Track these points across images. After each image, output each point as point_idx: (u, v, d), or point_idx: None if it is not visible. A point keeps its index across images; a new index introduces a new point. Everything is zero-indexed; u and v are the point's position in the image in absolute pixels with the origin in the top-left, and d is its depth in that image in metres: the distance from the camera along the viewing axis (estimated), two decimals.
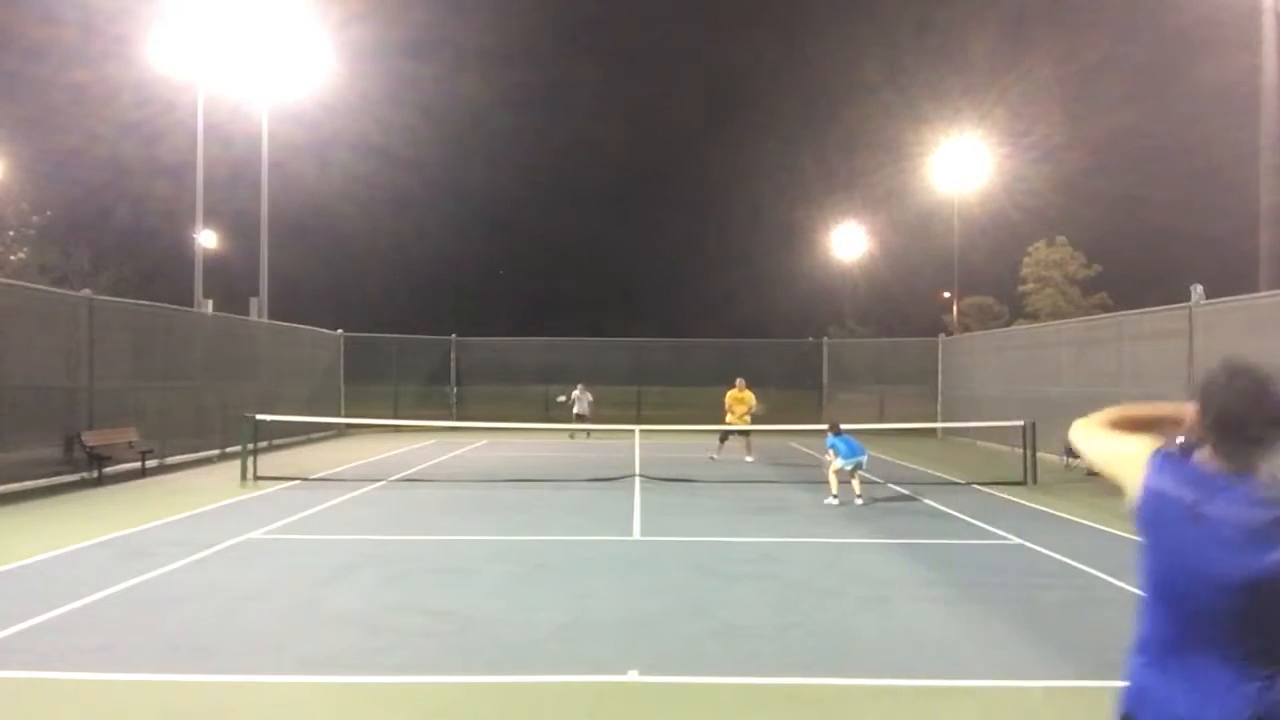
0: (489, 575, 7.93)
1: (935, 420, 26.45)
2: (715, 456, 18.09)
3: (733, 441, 18.51)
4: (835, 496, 12.53)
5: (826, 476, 12.91)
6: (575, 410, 24.04)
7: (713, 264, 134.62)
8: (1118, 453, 2.43)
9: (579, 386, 24.52)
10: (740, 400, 18.21)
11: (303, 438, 23.27)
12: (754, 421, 18.32)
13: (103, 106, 41.25)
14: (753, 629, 6.38)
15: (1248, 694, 2.04)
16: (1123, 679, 2.41)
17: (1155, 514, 2.22)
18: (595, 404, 24.77)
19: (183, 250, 31.31)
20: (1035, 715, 4.90)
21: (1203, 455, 2.27)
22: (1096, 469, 2.46)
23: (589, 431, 23.62)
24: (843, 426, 13.29)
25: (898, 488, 14.66)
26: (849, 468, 12.61)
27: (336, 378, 27.87)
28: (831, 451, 12.86)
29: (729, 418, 18.28)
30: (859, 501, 12.43)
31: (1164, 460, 2.31)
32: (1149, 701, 2.26)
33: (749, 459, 17.98)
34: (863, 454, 12.77)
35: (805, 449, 21.02)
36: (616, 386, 30.81)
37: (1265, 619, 2.04)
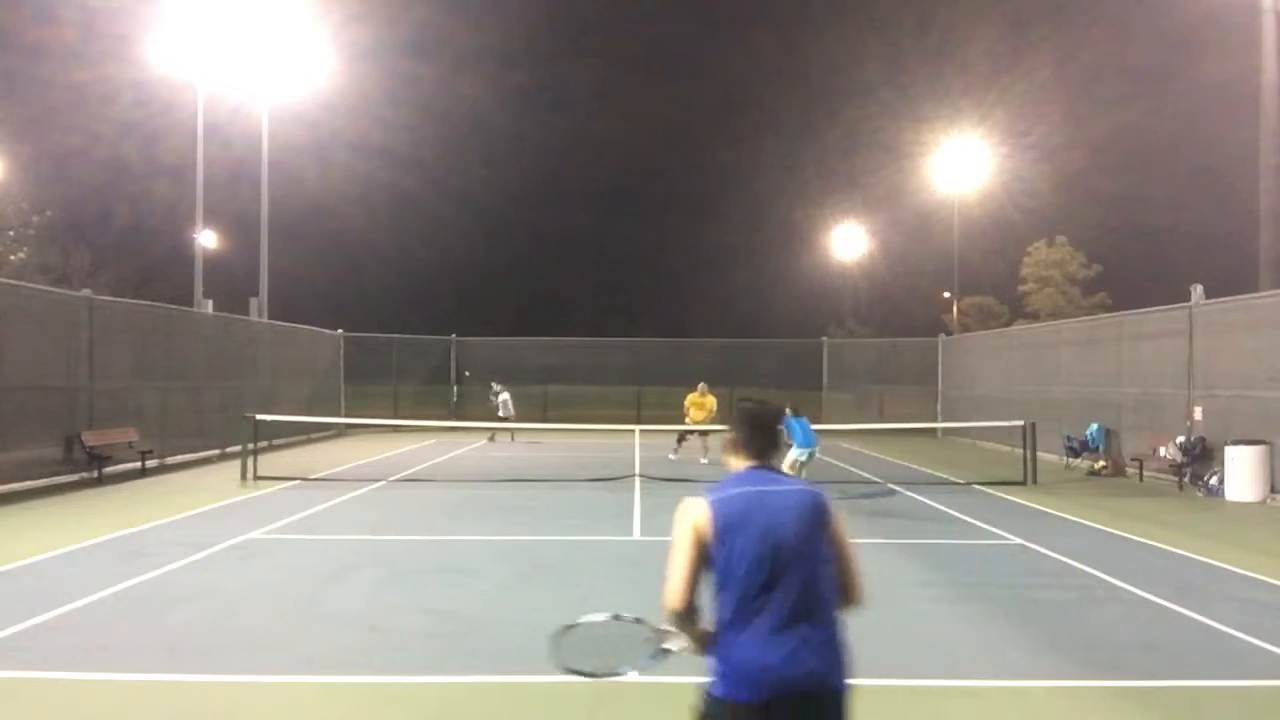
0: (489, 575, 7.93)
1: (935, 420, 26.46)
2: (673, 456, 18.22)
3: (693, 441, 18.60)
4: None
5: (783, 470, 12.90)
6: (500, 413, 23.30)
7: (713, 264, 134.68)
8: (680, 552, 2.78)
9: (498, 385, 23.70)
10: (700, 405, 18.34)
11: (303, 438, 23.27)
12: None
13: (103, 106, 41.26)
14: None
15: (822, 643, 2.67)
16: (712, 664, 2.69)
17: (731, 518, 2.71)
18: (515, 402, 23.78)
19: (183, 250, 31.35)
20: (1035, 715, 4.90)
21: (741, 463, 2.91)
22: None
23: (512, 433, 23.21)
24: (844, 426, 13.33)
25: (897, 488, 14.66)
26: (804, 457, 12.65)
27: (336, 378, 27.86)
28: (786, 433, 12.88)
29: (688, 420, 18.43)
30: None
31: (719, 487, 2.82)
32: (752, 670, 2.60)
33: (704, 460, 18.04)
34: (815, 444, 12.86)
35: None
36: (616, 386, 30.82)
37: (819, 572, 2.74)
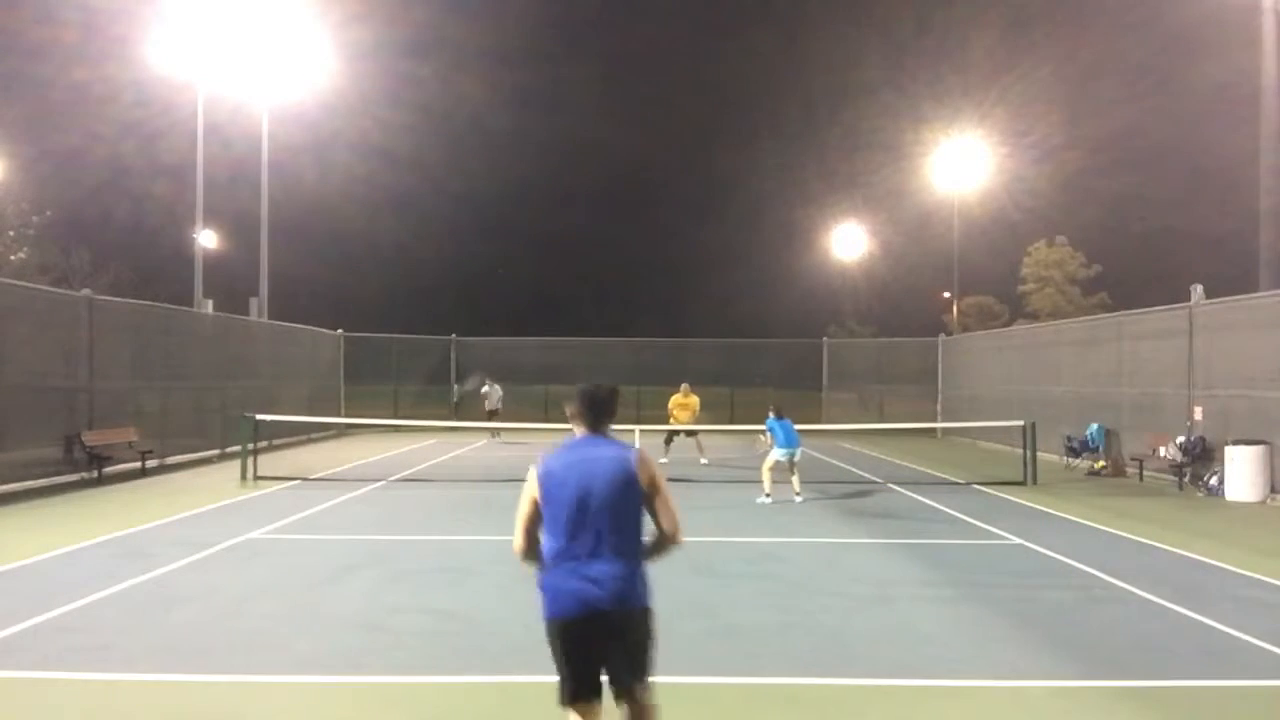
0: (489, 575, 7.93)
1: (935, 420, 26.46)
2: (664, 460, 18.13)
3: (686, 442, 18.58)
4: (768, 495, 12.53)
5: (761, 472, 12.89)
6: (487, 407, 23.33)
7: (713, 264, 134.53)
8: (521, 507, 3.58)
9: (487, 380, 23.62)
10: (684, 406, 18.37)
11: (303, 438, 23.27)
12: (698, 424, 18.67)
13: (103, 106, 41.27)
14: (753, 629, 6.38)
15: (619, 573, 3.38)
16: (542, 592, 3.45)
17: (560, 475, 3.47)
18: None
19: (183, 250, 31.31)
20: (1035, 715, 4.90)
21: (578, 431, 3.65)
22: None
23: (498, 431, 23.26)
24: (844, 426, 13.31)
25: (897, 488, 14.67)
26: (784, 459, 12.62)
27: (336, 378, 27.87)
28: (769, 435, 12.85)
29: (672, 421, 18.46)
30: (798, 499, 12.44)
31: (555, 451, 3.59)
32: (564, 595, 3.38)
33: (704, 461, 18.02)
34: (798, 445, 12.82)
35: (806, 450, 20.98)
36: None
37: (624, 520, 3.43)
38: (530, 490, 3.53)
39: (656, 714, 3.57)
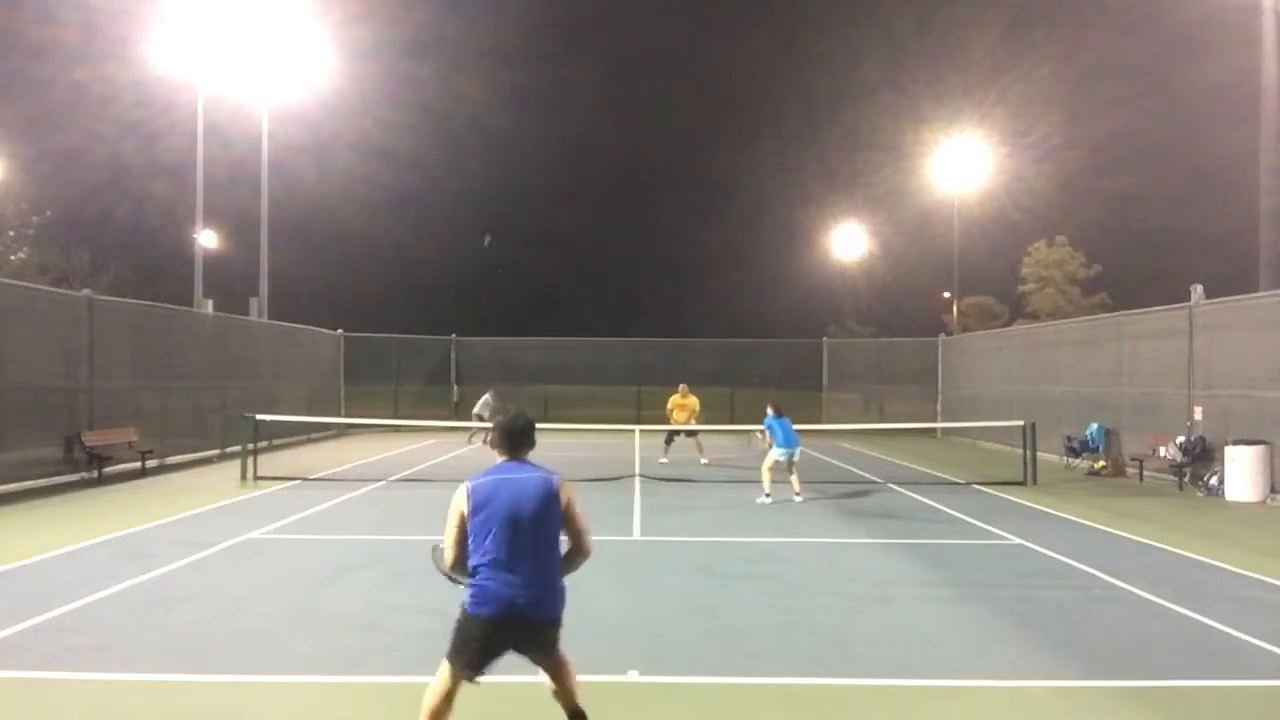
0: None
1: (935, 420, 26.45)
2: (664, 460, 18.14)
3: (686, 442, 18.58)
4: (768, 495, 12.52)
5: (761, 472, 12.88)
6: (476, 410, 22.98)
7: (713, 264, 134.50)
8: (450, 522, 4.01)
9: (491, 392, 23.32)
10: (682, 406, 18.38)
11: (303, 438, 23.27)
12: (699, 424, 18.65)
13: (103, 106, 41.25)
14: (753, 629, 6.38)
15: (541, 583, 3.87)
16: (467, 591, 3.90)
17: (487, 493, 3.92)
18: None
19: (183, 250, 31.33)
20: (1035, 715, 4.90)
21: (500, 457, 4.13)
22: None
23: (473, 434, 23.10)
24: (844, 426, 13.31)
25: (898, 488, 14.67)
26: (784, 459, 12.62)
27: (336, 378, 27.86)
28: (767, 434, 12.82)
29: (671, 422, 18.45)
30: (798, 499, 12.44)
31: (481, 474, 4.02)
32: (490, 597, 3.83)
33: (704, 461, 18.01)
34: (796, 444, 12.82)
35: (806, 450, 20.98)
36: (616, 386, 30.80)
37: (545, 535, 3.91)
38: (459, 506, 3.94)
39: (568, 665, 4.15)
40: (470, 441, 23.46)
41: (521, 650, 4.00)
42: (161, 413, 17.20)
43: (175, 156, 35.41)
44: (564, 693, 4.19)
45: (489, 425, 22.27)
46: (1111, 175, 58.18)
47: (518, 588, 3.81)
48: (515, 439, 4.12)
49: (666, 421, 18.71)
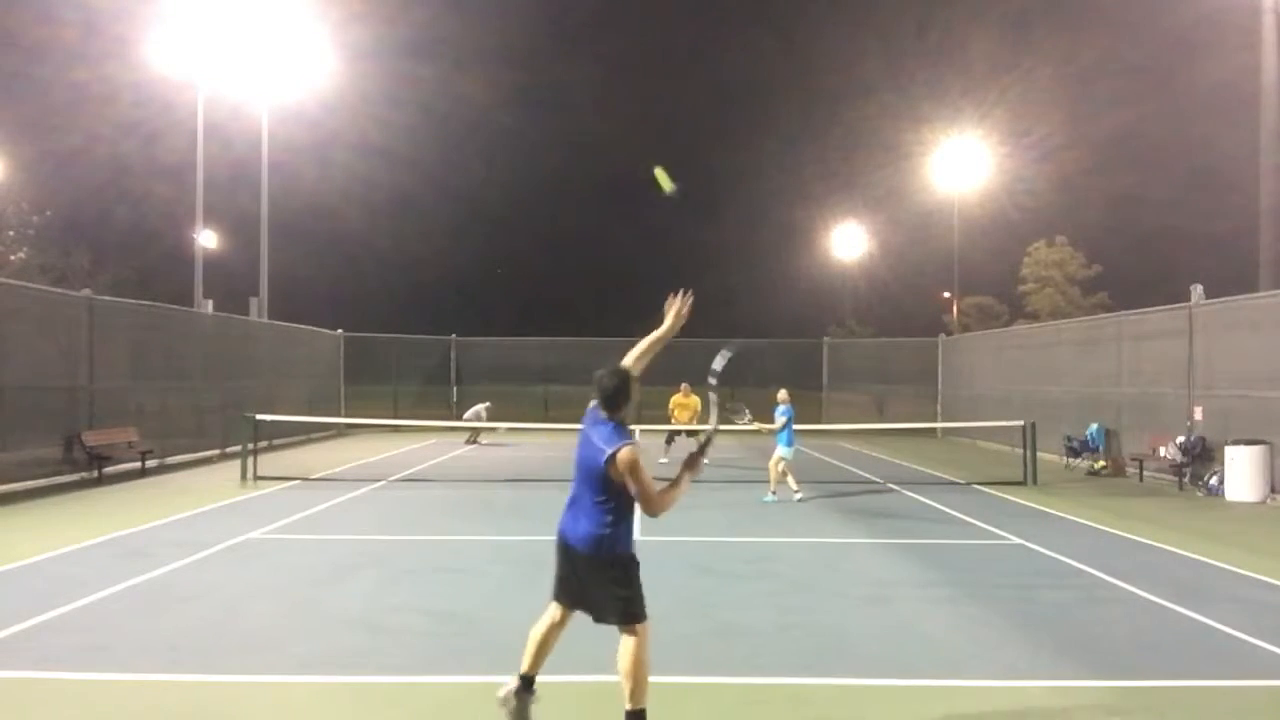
0: (489, 575, 7.94)
1: (935, 420, 26.45)
2: (664, 460, 18.11)
3: (684, 443, 18.55)
4: (774, 494, 12.58)
5: (769, 471, 12.89)
6: (467, 416, 23.38)
7: (713, 264, 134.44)
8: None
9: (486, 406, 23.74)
10: (684, 406, 18.44)
11: (303, 438, 23.27)
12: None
13: (103, 106, 41.19)
14: (753, 629, 6.38)
15: (596, 522, 4.26)
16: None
17: (584, 432, 4.35)
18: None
19: (183, 250, 31.27)
20: (1034, 715, 4.90)
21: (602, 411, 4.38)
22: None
23: (472, 435, 23.36)
24: (844, 426, 13.35)
25: (898, 488, 14.67)
26: (790, 457, 12.68)
27: (336, 378, 27.86)
28: (783, 420, 12.74)
29: (673, 421, 18.48)
30: (798, 498, 12.46)
31: (590, 413, 4.44)
32: (563, 527, 4.39)
33: (705, 461, 17.95)
34: (794, 443, 12.92)
35: (806, 450, 20.99)
36: None
37: (608, 485, 4.19)
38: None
39: (641, 637, 4.35)
40: (468, 443, 23.46)
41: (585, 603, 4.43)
42: (161, 413, 17.20)
43: (175, 156, 35.43)
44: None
45: (481, 425, 22.60)
46: (1111, 175, 58.30)
47: (569, 521, 4.36)
48: (605, 401, 4.35)
49: (668, 421, 18.69)
